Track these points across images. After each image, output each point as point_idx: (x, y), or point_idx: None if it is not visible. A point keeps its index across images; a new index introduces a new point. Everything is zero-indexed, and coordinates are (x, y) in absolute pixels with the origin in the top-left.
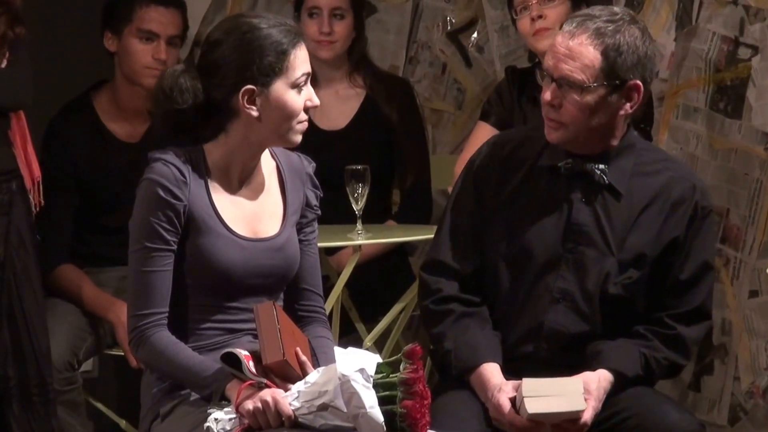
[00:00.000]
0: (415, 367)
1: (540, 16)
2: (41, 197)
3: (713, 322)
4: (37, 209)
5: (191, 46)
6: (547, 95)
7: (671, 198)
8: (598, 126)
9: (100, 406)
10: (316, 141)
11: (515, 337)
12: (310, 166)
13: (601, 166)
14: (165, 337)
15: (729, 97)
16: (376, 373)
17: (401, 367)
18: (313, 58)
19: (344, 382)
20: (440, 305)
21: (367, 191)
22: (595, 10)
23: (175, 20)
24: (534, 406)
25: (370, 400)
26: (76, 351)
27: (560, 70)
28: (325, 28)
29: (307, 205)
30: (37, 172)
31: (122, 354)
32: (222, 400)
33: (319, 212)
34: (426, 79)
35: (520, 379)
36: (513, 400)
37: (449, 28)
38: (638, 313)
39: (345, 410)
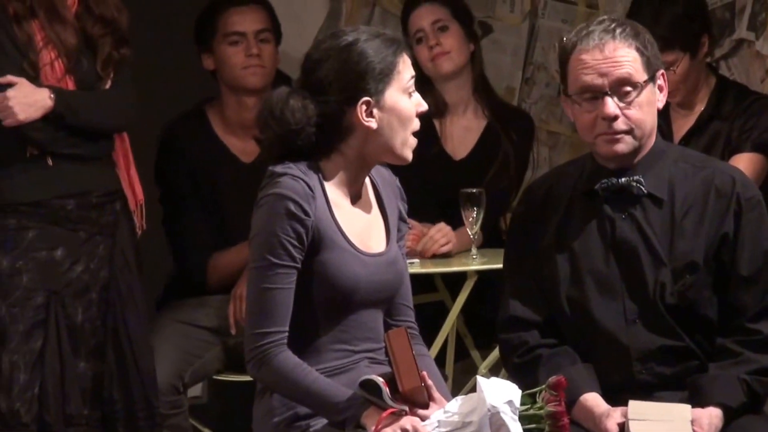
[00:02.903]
0: (560, 399)
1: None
2: (144, 221)
3: None
4: (140, 233)
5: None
6: (609, 110)
7: (712, 195)
8: (651, 127)
9: None
10: (444, 166)
11: (606, 369)
12: (396, 179)
13: (636, 177)
14: (290, 359)
15: None
16: (520, 404)
17: (539, 397)
18: (438, 81)
19: (494, 414)
20: (527, 356)
21: (482, 215)
22: (598, 23)
23: (256, 15)
24: (639, 429)
25: None
26: (182, 374)
27: (613, 75)
28: (431, 41)
29: (401, 218)
30: (141, 195)
31: (231, 379)
32: (357, 428)
33: (410, 226)
34: (542, 100)
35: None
36: (621, 427)
37: None
38: (712, 319)
39: None
